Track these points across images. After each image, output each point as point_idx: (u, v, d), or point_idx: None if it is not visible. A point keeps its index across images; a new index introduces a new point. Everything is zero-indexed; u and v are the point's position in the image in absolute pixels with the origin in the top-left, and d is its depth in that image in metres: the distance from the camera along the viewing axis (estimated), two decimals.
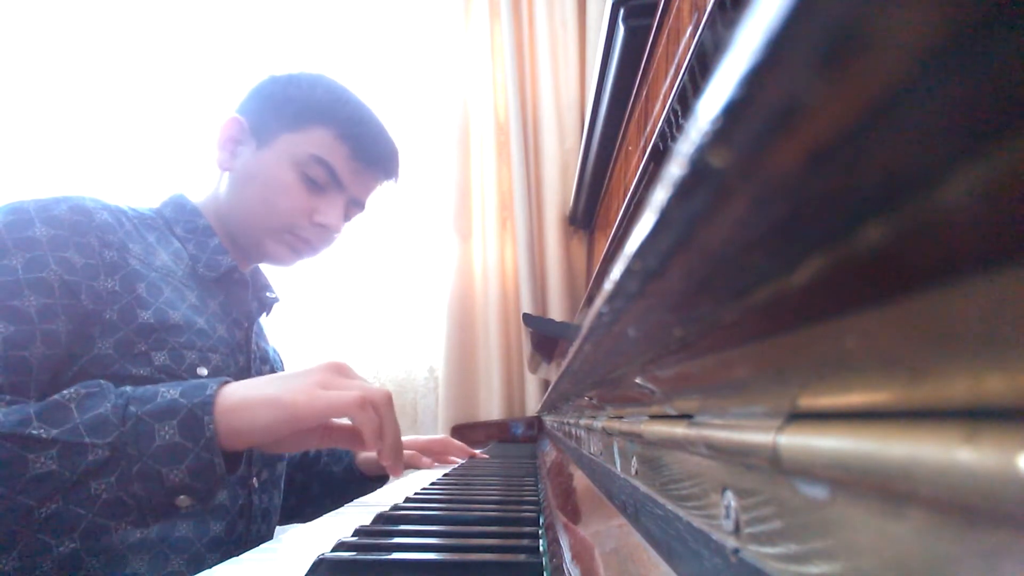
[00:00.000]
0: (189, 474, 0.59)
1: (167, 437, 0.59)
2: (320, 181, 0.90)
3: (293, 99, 0.90)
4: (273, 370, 0.99)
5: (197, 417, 0.59)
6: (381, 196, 1.00)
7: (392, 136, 0.98)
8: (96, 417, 0.58)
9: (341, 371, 0.66)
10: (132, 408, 0.59)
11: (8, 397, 0.63)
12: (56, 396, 0.59)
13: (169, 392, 0.61)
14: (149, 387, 0.62)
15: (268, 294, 0.98)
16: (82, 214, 0.75)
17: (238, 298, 0.91)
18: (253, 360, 0.91)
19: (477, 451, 1.24)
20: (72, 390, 0.60)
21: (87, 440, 0.57)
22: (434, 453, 1.15)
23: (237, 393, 0.62)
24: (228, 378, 0.65)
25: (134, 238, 0.80)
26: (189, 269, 0.85)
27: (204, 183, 0.98)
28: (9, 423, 0.56)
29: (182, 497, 0.60)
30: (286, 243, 0.93)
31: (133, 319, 0.74)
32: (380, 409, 0.64)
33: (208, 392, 0.61)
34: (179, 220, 0.90)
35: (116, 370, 0.71)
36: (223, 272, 0.88)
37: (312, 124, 0.89)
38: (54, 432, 0.57)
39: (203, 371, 0.78)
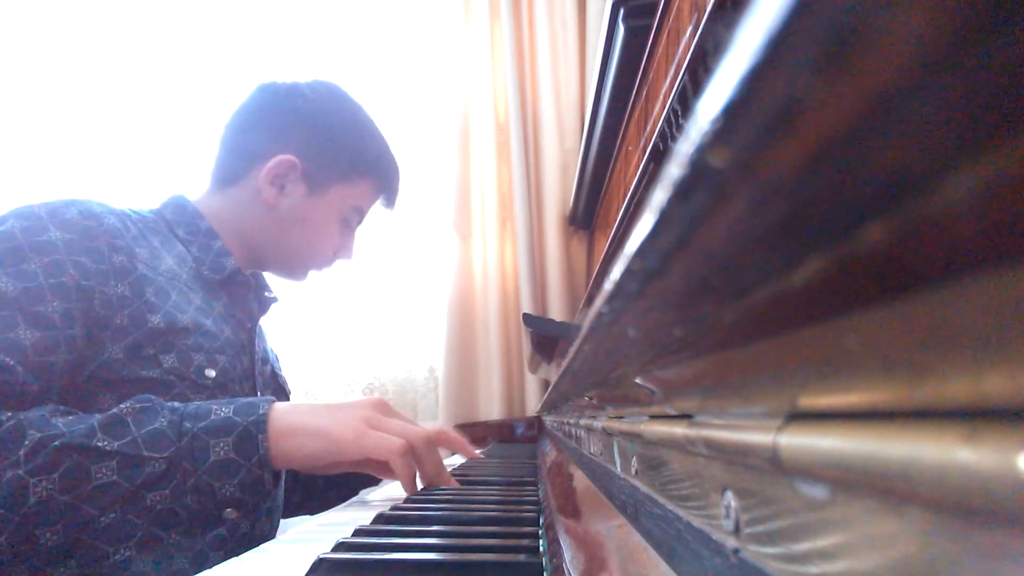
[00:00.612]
0: (240, 488, 0.63)
1: (222, 453, 0.62)
2: (352, 224, 1.00)
3: (349, 149, 0.95)
4: (273, 370, 1.01)
5: (252, 435, 0.63)
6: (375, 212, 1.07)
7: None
8: (153, 432, 0.62)
9: (384, 409, 0.71)
10: (187, 424, 0.63)
11: (62, 408, 0.65)
12: (114, 410, 0.63)
13: (222, 410, 0.65)
14: (201, 404, 0.66)
15: (267, 294, 1.00)
16: (92, 219, 0.76)
17: (241, 299, 0.93)
18: (256, 361, 0.93)
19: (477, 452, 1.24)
20: (128, 405, 0.63)
21: (145, 453, 0.60)
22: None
23: (287, 418, 0.66)
24: (271, 397, 0.70)
25: (140, 242, 0.81)
26: (193, 272, 0.86)
27: (202, 183, 0.98)
28: (76, 434, 0.59)
29: (229, 510, 0.64)
30: (305, 272, 1.02)
31: (143, 323, 0.75)
32: (420, 453, 0.68)
33: (261, 411, 0.65)
34: (180, 222, 0.91)
35: (126, 374, 0.72)
36: (228, 274, 0.89)
37: (361, 177, 0.97)
38: (115, 444, 0.60)
39: (211, 372, 0.79)
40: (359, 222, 1.01)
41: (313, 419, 0.66)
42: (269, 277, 1.03)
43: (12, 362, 0.65)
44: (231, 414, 0.64)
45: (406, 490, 0.68)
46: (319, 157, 0.94)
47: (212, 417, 0.64)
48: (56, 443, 0.59)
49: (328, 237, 0.97)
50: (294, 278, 1.02)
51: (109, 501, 0.59)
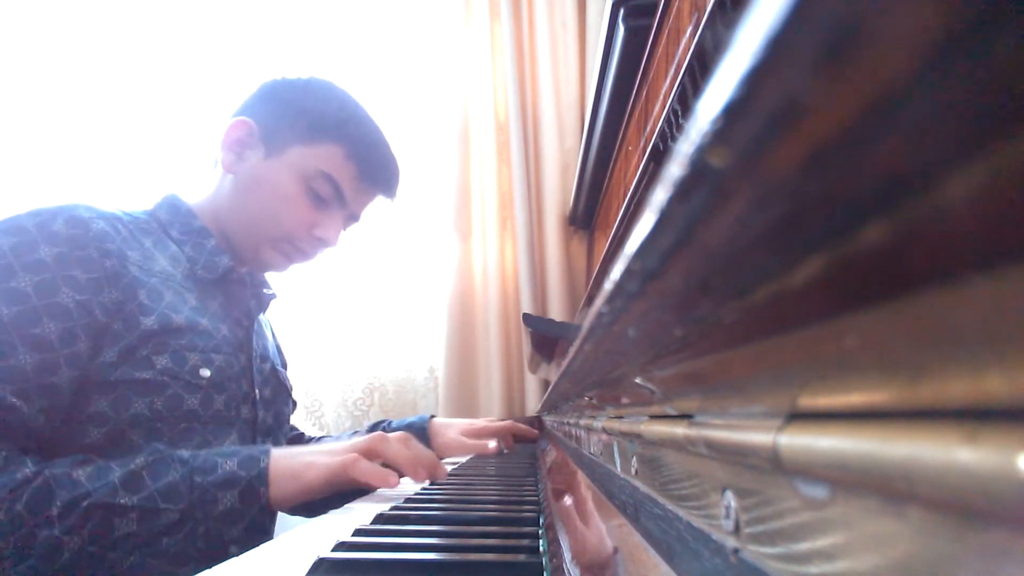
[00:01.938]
0: (244, 532, 0.70)
1: (228, 504, 0.69)
2: (324, 196, 0.92)
3: (308, 111, 0.91)
4: (274, 367, 1.00)
5: (254, 487, 0.70)
6: (375, 210, 1.02)
7: (397, 157, 1.00)
8: (167, 485, 0.68)
9: (380, 442, 0.78)
10: (198, 478, 0.69)
11: (80, 457, 0.69)
12: (131, 465, 0.68)
13: (227, 464, 0.71)
14: (207, 456, 0.71)
15: (265, 291, 0.99)
16: (79, 226, 0.75)
17: (237, 297, 0.92)
18: (254, 359, 0.92)
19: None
20: (141, 459, 0.69)
21: (161, 506, 0.67)
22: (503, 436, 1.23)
23: (284, 463, 0.73)
24: (269, 446, 0.76)
25: (131, 244, 0.80)
26: (187, 271, 0.86)
27: (198, 183, 0.97)
28: (100, 492, 0.65)
29: (233, 548, 0.70)
30: (282, 252, 0.94)
31: (137, 326, 0.75)
32: (386, 451, 0.76)
33: (262, 465, 0.71)
34: (174, 222, 0.90)
35: (118, 375, 0.74)
36: (221, 273, 0.89)
37: (324, 139, 0.91)
38: (135, 499, 0.66)
39: (205, 372, 0.80)
40: (338, 199, 0.93)
41: (306, 459, 0.73)
42: (267, 274, 1.02)
43: (18, 402, 0.68)
44: (236, 468, 0.71)
45: (418, 477, 0.76)
46: (276, 118, 0.91)
47: (219, 471, 0.70)
48: (84, 503, 0.64)
49: (290, 204, 0.90)
50: (271, 264, 0.95)
51: (131, 547, 0.66)
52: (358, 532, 0.48)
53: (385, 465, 0.76)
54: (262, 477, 0.71)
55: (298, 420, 1.70)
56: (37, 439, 0.71)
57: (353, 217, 0.98)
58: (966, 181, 0.07)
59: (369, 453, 0.75)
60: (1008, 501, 0.07)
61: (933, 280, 0.08)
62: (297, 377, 1.71)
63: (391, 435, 0.78)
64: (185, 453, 0.71)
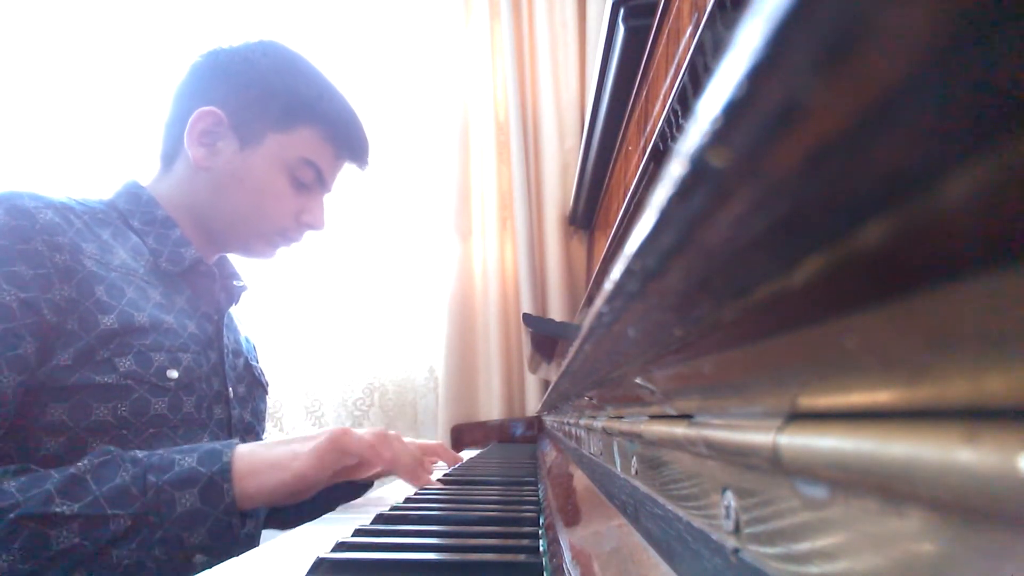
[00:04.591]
0: (208, 535, 0.63)
1: (188, 504, 0.62)
2: (307, 182, 0.89)
3: (277, 93, 0.86)
4: (248, 362, 0.95)
5: (217, 484, 0.63)
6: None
7: (364, 125, 0.95)
8: (115, 488, 0.60)
9: (347, 434, 0.71)
10: (152, 477, 0.62)
11: (13, 468, 0.62)
12: (72, 469, 0.61)
13: (185, 460, 0.64)
14: (163, 454, 0.64)
15: (235, 283, 0.94)
16: (22, 217, 0.68)
17: (205, 291, 0.87)
18: (226, 354, 0.87)
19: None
20: (85, 461, 0.61)
21: (109, 512, 0.59)
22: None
23: (249, 459, 0.66)
24: (236, 440, 0.69)
25: (86, 236, 0.73)
26: (151, 264, 0.80)
27: (154, 169, 0.91)
28: (32, 503, 0.58)
29: (199, 556, 0.63)
30: (272, 243, 0.92)
31: (95, 326, 0.69)
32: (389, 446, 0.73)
33: (225, 459, 0.64)
34: (135, 211, 0.83)
35: (76, 380, 0.67)
36: (188, 265, 0.83)
37: (299, 123, 0.87)
38: (76, 507, 0.58)
39: (173, 373, 0.75)
40: (319, 182, 0.90)
41: (273, 453, 0.67)
42: (240, 266, 0.98)
43: None
44: (195, 464, 0.64)
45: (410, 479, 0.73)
46: (246, 105, 0.85)
47: (176, 468, 0.63)
48: (12, 515, 0.57)
49: (278, 197, 0.87)
50: (259, 254, 0.93)
51: (73, 563, 0.58)
52: (358, 532, 0.48)
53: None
54: (225, 472, 0.64)
55: (298, 420, 1.70)
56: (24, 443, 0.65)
57: (328, 191, 0.95)
58: (966, 181, 0.07)
59: (337, 445, 0.70)
60: (1008, 501, 0.07)
61: (933, 280, 0.08)
62: (297, 377, 1.71)
63: (391, 433, 0.76)
64: (139, 453, 0.65)
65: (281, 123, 0.86)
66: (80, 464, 0.61)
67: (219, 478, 0.63)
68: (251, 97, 0.85)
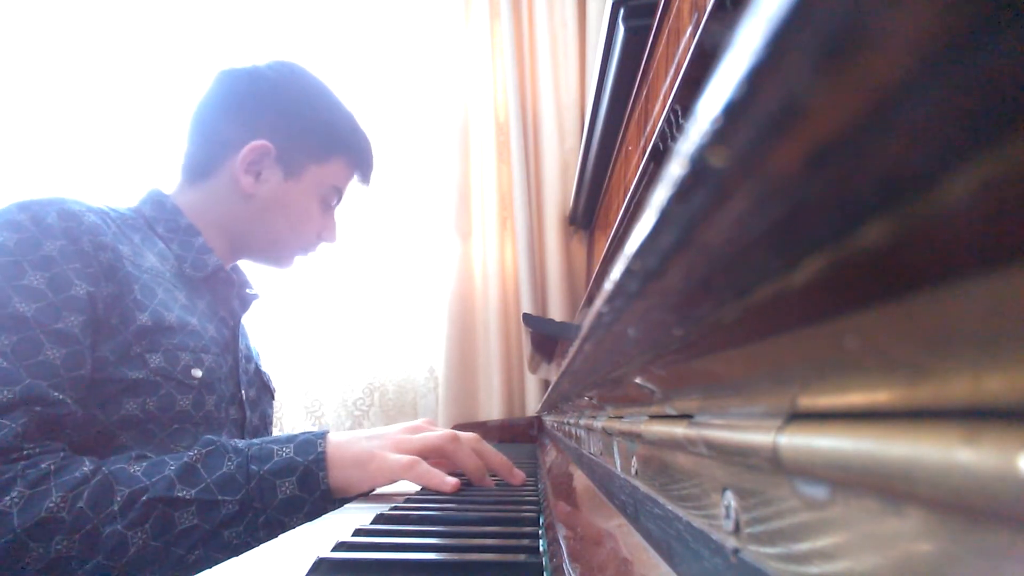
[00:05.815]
0: (307, 519, 0.67)
1: (288, 491, 0.68)
2: (332, 204, 0.99)
3: (316, 129, 0.95)
4: (257, 368, 1.01)
5: (313, 473, 0.69)
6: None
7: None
8: (223, 476, 0.67)
9: (419, 429, 0.76)
10: (254, 467, 0.68)
11: (135, 453, 0.70)
12: (185, 458, 0.68)
13: (283, 450, 0.70)
14: (263, 445, 0.71)
15: (248, 291, 0.99)
16: (71, 219, 0.73)
17: (223, 297, 0.92)
18: (240, 359, 0.93)
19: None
20: (195, 451, 0.68)
21: (219, 497, 0.66)
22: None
23: (341, 451, 0.71)
24: (326, 430, 0.74)
25: (121, 239, 0.79)
26: (175, 269, 0.86)
27: (171, 177, 0.96)
28: (158, 487, 0.65)
29: None
30: (294, 257, 1.01)
31: (132, 321, 0.74)
32: (451, 452, 0.74)
33: (320, 450, 0.70)
34: (160, 219, 0.89)
35: (111, 373, 0.72)
36: (210, 272, 0.89)
37: (334, 155, 0.96)
38: (192, 492, 0.66)
39: (197, 372, 0.79)
40: (338, 201, 1.01)
41: (365, 445, 0.72)
42: (251, 272, 1.03)
43: (61, 396, 0.67)
44: (292, 454, 0.70)
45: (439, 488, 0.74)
46: (292, 140, 0.93)
47: (275, 458, 0.69)
48: (144, 497, 0.64)
49: (310, 220, 0.97)
50: (280, 265, 1.02)
51: (194, 541, 0.65)
52: (358, 532, 0.48)
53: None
54: (320, 462, 0.69)
55: (298, 420, 1.70)
56: (81, 434, 0.70)
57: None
58: (966, 181, 0.07)
59: (438, 453, 0.73)
60: (1008, 501, 0.07)
61: (933, 280, 0.08)
62: (297, 377, 1.71)
63: (463, 436, 0.75)
64: (240, 443, 0.70)
65: (319, 156, 0.95)
66: (190, 453, 0.68)
67: (315, 467, 0.69)
68: (294, 131, 0.94)
